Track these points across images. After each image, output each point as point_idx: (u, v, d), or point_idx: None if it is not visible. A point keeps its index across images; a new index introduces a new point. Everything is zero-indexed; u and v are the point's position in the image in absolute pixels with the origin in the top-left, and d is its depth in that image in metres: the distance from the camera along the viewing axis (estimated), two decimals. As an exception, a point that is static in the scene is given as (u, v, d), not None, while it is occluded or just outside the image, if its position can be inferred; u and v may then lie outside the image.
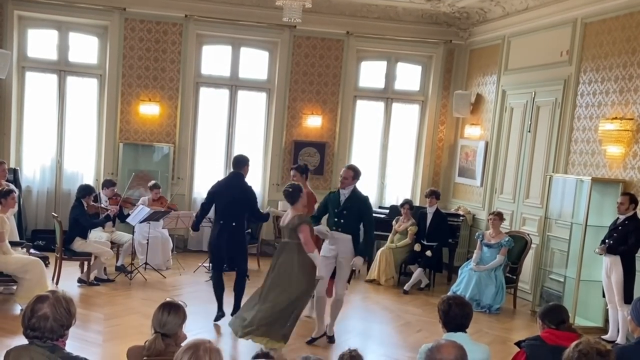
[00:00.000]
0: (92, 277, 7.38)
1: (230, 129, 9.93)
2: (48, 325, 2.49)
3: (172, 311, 3.12)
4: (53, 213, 8.05)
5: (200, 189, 9.81)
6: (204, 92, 9.86)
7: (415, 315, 7.20)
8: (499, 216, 7.84)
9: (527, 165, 8.45)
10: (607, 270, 6.35)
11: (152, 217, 7.73)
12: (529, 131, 8.43)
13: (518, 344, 3.55)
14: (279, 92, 9.85)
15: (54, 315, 2.50)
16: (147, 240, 8.10)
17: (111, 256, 7.61)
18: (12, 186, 7.12)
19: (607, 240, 6.35)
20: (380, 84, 10.24)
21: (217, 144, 9.94)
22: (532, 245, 7.92)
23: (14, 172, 8.67)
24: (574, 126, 7.61)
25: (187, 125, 9.69)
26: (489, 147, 9.36)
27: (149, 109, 9.48)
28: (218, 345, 2.43)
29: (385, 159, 10.34)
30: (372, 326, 6.57)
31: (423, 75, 10.30)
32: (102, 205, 7.68)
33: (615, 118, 6.85)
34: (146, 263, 8.02)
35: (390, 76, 10.21)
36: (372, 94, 10.25)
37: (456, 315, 3.36)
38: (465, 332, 3.37)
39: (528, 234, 8.01)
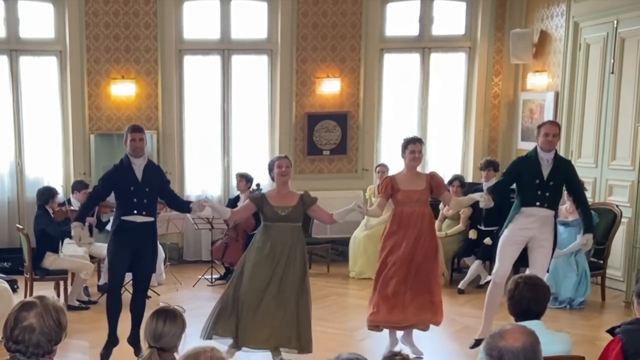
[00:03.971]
0: (74, 299, 7.83)
1: (225, 105, 10.23)
2: (34, 338, 2.69)
3: (169, 319, 3.28)
4: (18, 225, 8.49)
5: (194, 184, 10.20)
6: (189, 61, 10.17)
7: (475, 319, 7.32)
8: (577, 186, 7.97)
9: (612, 117, 8.52)
10: None
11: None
12: (612, 72, 8.48)
13: (611, 331, 3.73)
14: (284, 53, 10.09)
15: (41, 328, 2.69)
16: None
17: (92, 270, 8.06)
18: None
19: None
20: (413, 30, 10.36)
21: (211, 125, 10.26)
22: (623, 220, 8.03)
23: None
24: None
25: (172, 105, 10.02)
26: (560, 99, 9.43)
27: (123, 89, 9.83)
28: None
29: (425, 125, 10.47)
30: (421, 333, 6.76)
31: (469, 13, 10.38)
32: (73, 208, 8.09)
33: None
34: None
35: (425, 19, 10.32)
36: (403, 44, 10.41)
37: (523, 298, 3.50)
38: (540, 319, 3.53)
39: (617, 206, 8.12)
